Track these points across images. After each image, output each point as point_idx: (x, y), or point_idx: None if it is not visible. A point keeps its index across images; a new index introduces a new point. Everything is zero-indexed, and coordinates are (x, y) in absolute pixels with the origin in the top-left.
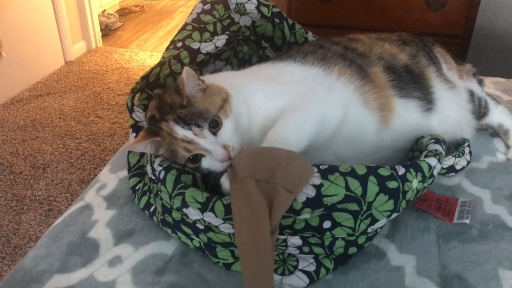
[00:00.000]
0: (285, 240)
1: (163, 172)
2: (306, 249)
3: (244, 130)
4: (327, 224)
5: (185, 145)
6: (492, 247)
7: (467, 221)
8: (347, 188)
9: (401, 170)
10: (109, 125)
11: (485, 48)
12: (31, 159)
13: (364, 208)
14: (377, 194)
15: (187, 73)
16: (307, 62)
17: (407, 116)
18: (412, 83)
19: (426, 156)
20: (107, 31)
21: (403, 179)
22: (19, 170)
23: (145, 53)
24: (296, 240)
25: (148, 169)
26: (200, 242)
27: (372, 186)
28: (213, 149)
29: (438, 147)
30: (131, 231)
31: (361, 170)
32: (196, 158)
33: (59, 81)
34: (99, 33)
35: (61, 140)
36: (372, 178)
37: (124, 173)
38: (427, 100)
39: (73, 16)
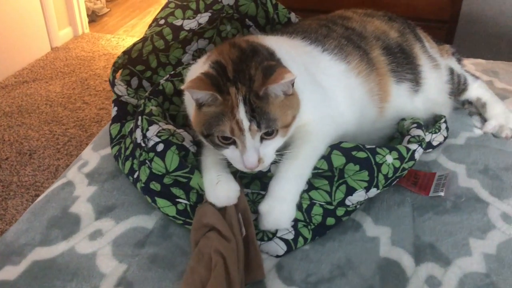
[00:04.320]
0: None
1: (161, 145)
2: None
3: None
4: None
5: (234, 127)
6: (464, 218)
7: (442, 194)
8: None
9: (369, 146)
10: (96, 111)
11: (471, 33)
12: (17, 145)
13: (336, 174)
14: (346, 164)
15: (287, 78)
16: (332, 54)
17: (398, 102)
18: (405, 64)
19: (409, 142)
20: (93, 17)
21: (372, 151)
22: (5, 156)
23: (133, 39)
24: None
25: (138, 134)
26: (185, 205)
27: (336, 157)
28: (250, 153)
29: (420, 132)
30: (112, 206)
31: (326, 151)
32: (229, 141)
33: (45, 67)
34: (85, 19)
35: (47, 126)
36: (335, 152)
37: (106, 151)
38: (416, 81)
39: (59, 1)
